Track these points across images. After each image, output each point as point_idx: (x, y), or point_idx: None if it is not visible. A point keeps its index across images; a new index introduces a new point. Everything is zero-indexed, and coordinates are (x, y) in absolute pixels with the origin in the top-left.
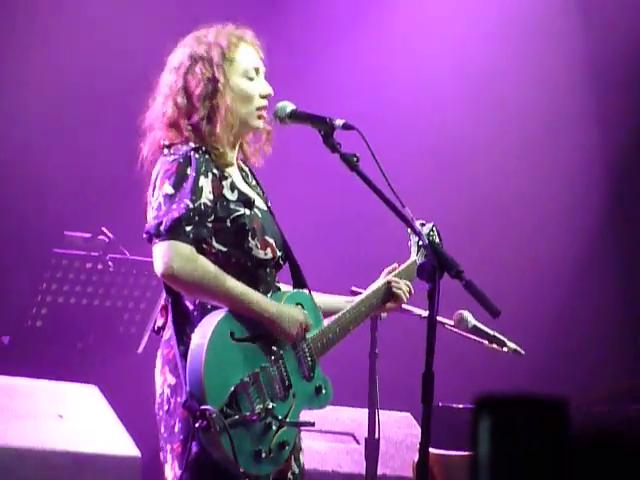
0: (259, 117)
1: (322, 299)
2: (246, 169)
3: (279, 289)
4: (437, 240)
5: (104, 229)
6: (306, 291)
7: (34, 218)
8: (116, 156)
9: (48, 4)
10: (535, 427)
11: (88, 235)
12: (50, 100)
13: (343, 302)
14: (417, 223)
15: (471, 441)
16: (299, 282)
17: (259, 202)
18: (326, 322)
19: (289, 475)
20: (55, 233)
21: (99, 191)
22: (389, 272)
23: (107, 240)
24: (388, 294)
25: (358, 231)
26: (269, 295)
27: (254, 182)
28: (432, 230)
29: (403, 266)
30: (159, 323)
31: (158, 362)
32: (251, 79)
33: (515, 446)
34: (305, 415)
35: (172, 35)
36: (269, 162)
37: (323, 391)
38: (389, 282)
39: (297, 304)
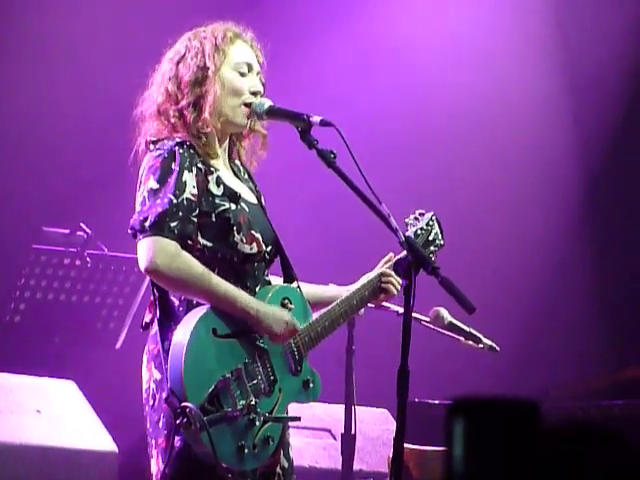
0: (246, 115)
1: (313, 291)
2: (238, 164)
3: (269, 283)
4: (437, 230)
5: (82, 225)
6: (294, 285)
7: (12, 213)
8: (95, 151)
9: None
10: (508, 428)
11: (66, 231)
12: (25, 95)
13: (335, 293)
14: (416, 213)
15: (445, 443)
16: (289, 276)
17: (247, 196)
18: (315, 315)
19: (278, 469)
20: (33, 228)
21: (78, 186)
22: (385, 263)
23: (85, 236)
24: (380, 287)
25: (348, 224)
26: (257, 289)
27: (247, 176)
28: (431, 220)
29: (399, 257)
30: (146, 319)
31: (144, 358)
32: (242, 74)
33: (489, 447)
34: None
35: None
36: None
37: (311, 385)
38: (381, 274)
39: (284, 298)
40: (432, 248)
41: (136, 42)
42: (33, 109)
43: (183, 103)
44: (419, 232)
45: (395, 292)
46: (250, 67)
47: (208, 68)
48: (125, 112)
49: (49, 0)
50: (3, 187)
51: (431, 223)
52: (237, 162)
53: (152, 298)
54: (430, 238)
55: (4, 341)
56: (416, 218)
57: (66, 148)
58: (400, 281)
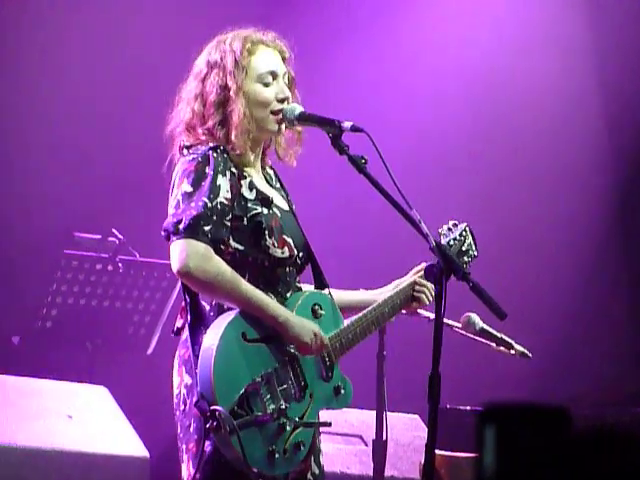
0: (277, 122)
1: (345, 297)
2: (271, 172)
3: (300, 289)
4: (470, 241)
5: (114, 230)
6: (326, 291)
7: (45, 219)
8: (128, 158)
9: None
10: (539, 434)
11: (98, 236)
12: (61, 101)
13: (366, 297)
14: (450, 223)
15: (476, 449)
16: (320, 283)
17: (279, 202)
18: (346, 322)
19: (309, 476)
20: (65, 234)
21: (110, 192)
22: (417, 272)
23: (117, 241)
24: (413, 295)
25: (378, 231)
26: (288, 294)
27: (278, 185)
28: (464, 230)
29: (429, 263)
30: (178, 324)
31: (175, 362)
32: (266, 84)
33: (519, 454)
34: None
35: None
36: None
37: (342, 391)
38: (414, 282)
39: (315, 304)
40: (465, 259)
41: (171, 44)
42: (68, 113)
43: (210, 124)
44: (452, 242)
45: (427, 302)
46: (274, 74)
47: (230, 88)
48: (160, 119)
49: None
50: (36, 192)
51: (464, 234)
52: (269, 171)
53: (183, 303)
54: (463, 249)
55: (36, 347)
56: (449, 229)
57: (100, 154)
58: (432, 290)
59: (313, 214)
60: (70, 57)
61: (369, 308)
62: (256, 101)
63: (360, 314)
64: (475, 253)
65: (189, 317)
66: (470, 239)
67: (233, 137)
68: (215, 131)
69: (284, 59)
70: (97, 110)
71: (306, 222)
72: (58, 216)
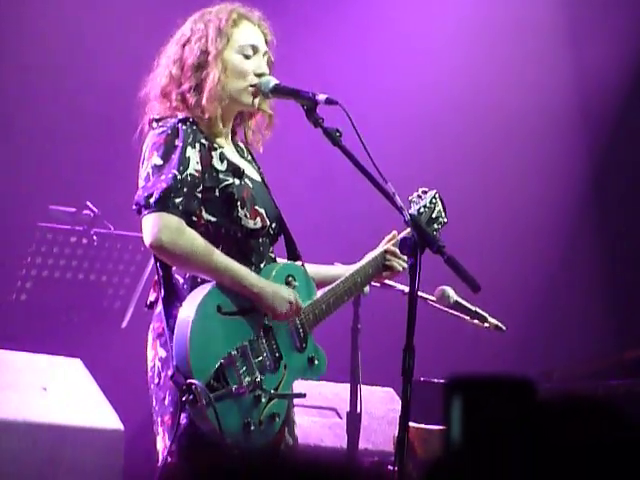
0: (252, 94)
1: (318, 270)
2: (242, 145)
3: (274, 260)
4: (440, 208)
5: (89, 203)
6: (299, 263)
7: (19, 192)
8: (101, 130)
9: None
10: (504, 404)
11: (73, 209)
12: (34, 74)
13: (341, 271)
14: (419, 191)
15: (443, 420)
16: (293, 255)
17: (251, 173)
18: (319, 293)
19: (282, 447)
20: (40, 207)
21: (84, 165)
22: (389, 240)
23: (92, 214)
24: (384, 264)
25: (351, 204)
26: (262, 265)
27: (250, 157)
28: (434, 197)
29: (402, 234)
30: (151, 298)
31: (149, 336)
32: (247, 56)
33: (485, 425)
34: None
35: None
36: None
37: (316, 362)
38: (386, 251)
39: (288, 276)
40: (435, 226)
41: (142, 22)
42: (38, 91)
43: (185, 86)
44: (422, 210)
45: (400, 269)
46: (255, 49)
47: (210, 52)
48: (130, 92)
49: None
50: (10, 166)
51: (434, 201)
52: (240, 143)
53: (156, 277)
54: (433, 216)
55: (10, 319)
56: (419, 196)
57: (72, 127)
58: (404, 258)
59: (287, 187)
60: (35, 38)
61: (342, 278)
62: (233, 70)
63: (333, 284)
64: (445, 220)
65: (162, 291)
66: (440, 206)
67: (204, 101)
68: (188, 96)
69: (266, 41)
70: (68, 86)
71: (280, 195)
72: (32, 189)
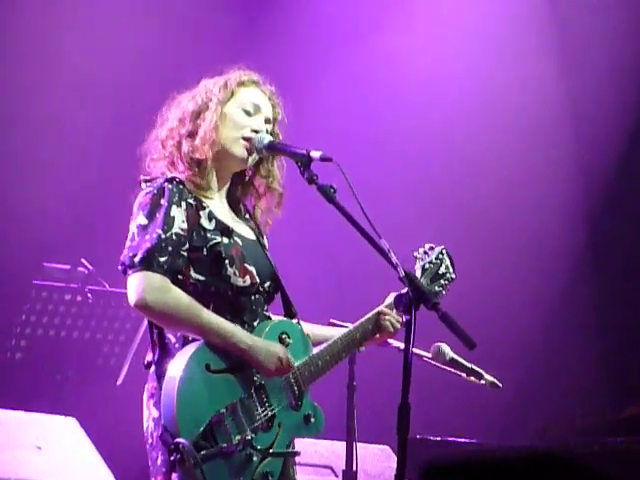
0: (245, 148)
1: (315, 329)
2: (240, 206)
3: (269, 318)
4: (448, 263)
5: (83, 260)
6: (294, 321)
7: (13, 249)
8: (96, 189)
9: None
10: None
11: (67, 266)
12: (31, 132)
13: (337, 332)
14: (426, 247)
15: None
16: (289, 313)
17: (243, 231)
18: (316, 350)
19: None
20: (34, 264)
21: (78, 222)
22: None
23: (86, 272)
24: (379, 324)
25: (347, 262)
26: (255, 323)
27: (247, 216)
28: (441, 253)
29: (399, 293)
30: (148, 358)
31: (145, 396)
32: (247, 112)
33: None
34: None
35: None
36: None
37: (312, 420)
38: (379, 312)
39: (282, 333)
40: (442, 282)
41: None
42: (35, 143)
43: (182, 132)
44: (427, 266)
45: (392, 329)
46: (258, 109)
47: (211, 100)
48: (127, 150)
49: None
50: (4, 222)
51: (441, 257)
52: (240, 206)
53: (149, 336)
54: (440, 272)
55: (5, 378)
56: (425, 252)
57: (67, 185)
58: (399, 319)
59: (283, 244)
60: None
61: (339, 335)
62: (231, 120)
63: (330, 341)
64: (453, 276)
65: (156, 350)
66: (447, 262)
67: (197, 140)
68: (184, 142)
69: (275, 119)
70: (67, 138)
71: (276, 253)
72: (26, 246)
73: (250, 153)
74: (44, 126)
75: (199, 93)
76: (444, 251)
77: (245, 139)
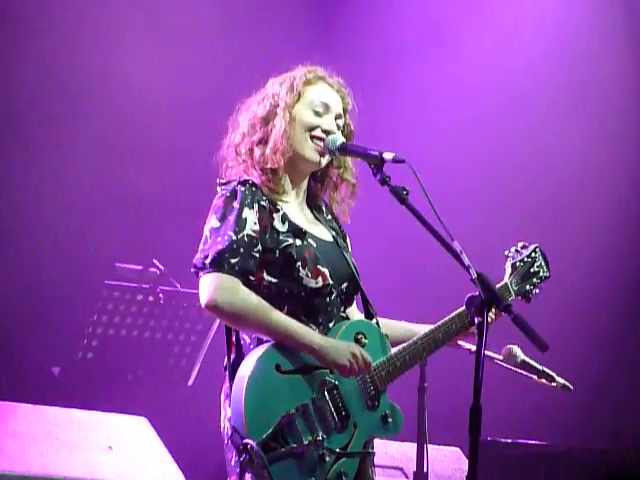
0: (316, 150)
1: (397, 327)
2: (321, 204)
3: (346, 319)
4: (541, 262)
5: (155, 261)
6: (373, 321)
7: (86, 249)
8: (169, 188)
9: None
10: None
11: (139, 267)
12: (99, 131)
13: (420, 329)
14: (518, 245)
15: None
16: (367, 313)
17: (319, 233)
18: (394, 350)
19: None
20: (106, 265)
21: (151, 223)
22: None
23: (158, 272)
24: (469, 322)
25: (420, 265)
26: (331, 325)
27: (329, 217)
28: (534, 252)
29: (471, 294)
30: (226, 359)
31: (222, 396)
32: (317, 113)
33: None
34: None
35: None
36: None
37: (390, 420)
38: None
39: (358, 333)
40: (535, 280)
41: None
42: (109, 138)
43: (253, 139)
44: (518, 264)
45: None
46: (327, 108)
47: (279, 105)
48: (202, 148)
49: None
50: (78, 223)
51: (534, 255)
52: (322, 205)
53: (230, 339)
54: (532, 270)
55: (77, 378)
56: (517, 250)
57: (140, 184)
58: (493, 317)
59: (360, 246)
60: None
61: (420, 334)
62: (300, 123)
63: (410, 341)
64: (547, 274)
65: (232, 351)
66: (541, 260)
67: (268, 150)
68: (255, 148)
69: (345, 109)
70: (140, 137)
71: (358, 254)
72: (100, 247)
73: (322, 155)
74: (105, 123)
75: (267, 97)
76: (537, 249)
77: (316, 139)
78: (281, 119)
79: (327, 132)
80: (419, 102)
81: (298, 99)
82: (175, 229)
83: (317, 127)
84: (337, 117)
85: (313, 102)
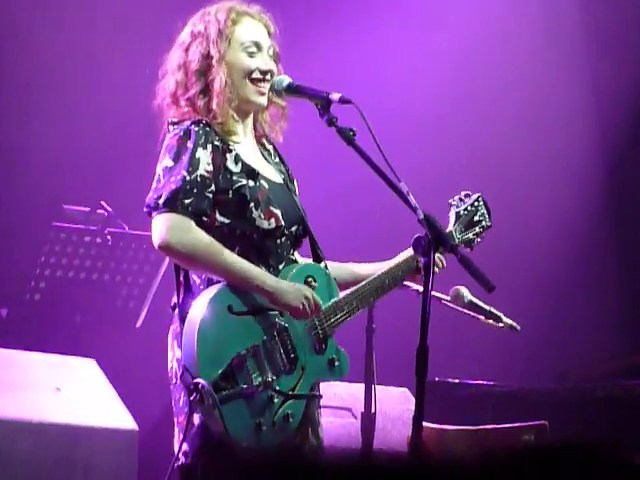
0: (259, 92)
1: (345, 269)
2: (270, 147)
3: (295, 262)
4: (484, 211)
5: (103, 203)
6: (321, 264)
7: (33, 191)
8: (117, 129)
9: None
10: None
11: (87, 209)
12: (56, 71)
13: (370, 270)
14: (461, 194)
15: None
16: (316, 256)
17: (270, 174)
18: (342, 294)
19: (306, 447)
20: (54, 206)
21: (99, 164)
22: None
23: (106, 214)
24: (418, 266)
25: (366, 206)
26: (281, 267)
27: (277, 159)
28: (477, 200)
29: (417, 235)
30: (174, 299)
31: (169, 337)
32: (250, 54)
33: None
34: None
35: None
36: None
37: (336, 363)
38: (414, 257)
39: (308, 276)
40: (477, 229)
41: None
42: (61, 83)
43: (192, 92)
44: (462, 213)
45: (436, 270)
46: (259, 45)
47: (212, 56)
48: (146, 91)
49: None
50: (24, 165)
51: (477, 204)
52: (268, 145)
53: (179, 278)
54: (475, 219)
55: (24, 319)
56: (461, 199)
57: (87, 126)
58: (442, 261)
59: (307, 188)
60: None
61: (368, 279)
62: (238, 69)
63: (358, 285)
64: (488, 223)
65: (181, 292)
66: (483, 209)
67: (214, 105)
68: (196, 100)
69: (269, 33)
70: (85, 73)
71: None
72: (46, 188)
73: (264, 95)
74: (72, 62)
75: (196, 43)
76: (480, 198)
77: (256, 81)
78: (219, 72)
79: (264, 72)
80: (367, 44)
81: (229, 44)
82: (123, 171)
83: (255, 70)
84: (268, 48)
85: (244, 44)
